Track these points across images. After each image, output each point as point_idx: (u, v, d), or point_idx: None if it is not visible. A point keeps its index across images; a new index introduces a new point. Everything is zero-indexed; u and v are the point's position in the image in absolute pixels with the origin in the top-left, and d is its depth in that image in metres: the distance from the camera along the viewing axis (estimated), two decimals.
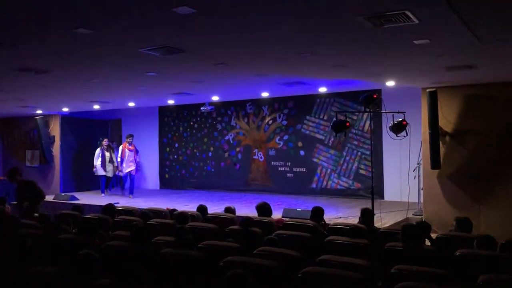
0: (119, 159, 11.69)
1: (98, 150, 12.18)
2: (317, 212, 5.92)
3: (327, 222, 6.24)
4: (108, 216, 6.08)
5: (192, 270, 3.82)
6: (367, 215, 5.75)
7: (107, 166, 12.07)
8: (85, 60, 6.31)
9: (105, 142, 12.31)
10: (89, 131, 14.22)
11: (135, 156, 11.78)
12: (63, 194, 11.74)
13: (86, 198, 11.34)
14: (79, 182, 13.55)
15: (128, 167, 11.70)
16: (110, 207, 6.71)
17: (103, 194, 11.90)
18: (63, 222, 5.61)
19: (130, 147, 11.76)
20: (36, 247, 3.88)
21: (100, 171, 12.06)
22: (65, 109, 13.05)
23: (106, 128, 14.98)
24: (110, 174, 12.33)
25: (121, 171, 11.79)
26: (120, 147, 11.81)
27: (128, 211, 7.00)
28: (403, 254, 4.22)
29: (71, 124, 14.01)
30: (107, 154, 12.19)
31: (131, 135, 11.88)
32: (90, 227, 4.73)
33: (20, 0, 3.93)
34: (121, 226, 5.76)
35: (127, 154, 11.71)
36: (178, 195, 11.38)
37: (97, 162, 12.02)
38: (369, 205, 6.79)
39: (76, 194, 11.64)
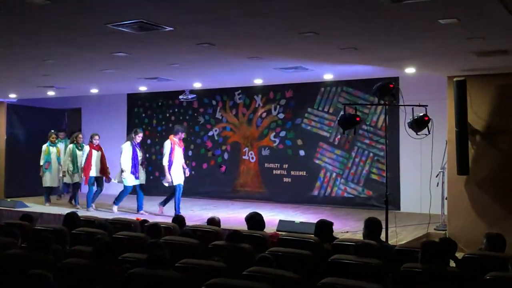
0: (166, 163, 9.86)
1: (127, 146, 10.33)
2: (323, 228, 5.93)
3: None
4: (65, 228, 6.07)
5: None
6: (372, 227, 5.76)
7: (140, 171, 10.49)
8: (39, 37, 6.28)
9: (139, 136, 10.43)
10: (42, 122, 14.13)
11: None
12: (8, 199, 11.67)
13: (37, 205, 11.27)
14: (28, 184, 13.41)
15: (179, 178, 10.01)
16: (72, 216, 6.71)
17: (142, 212, 10.21)
18: (9, 235, 5.58)
19: (179, 142, 10.15)
20: None
21: (130, 179, 10.31)
22: (13, 96, 12.97)
23: (62, 118, 14.92)
24: (142, 181, 10.68)
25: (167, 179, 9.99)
26: (168, 144, 9.97)
27: (90, 222, 7.00)
28: (423, 277, 4.26)
29: (20, 114, 13.95)
30: (140, 153, 10.53)
31: (183, 126, 10.51)
32: (43, 240, 4.72)
33: None
34: (81, 240, 5.76)
35: (177, 155, 10.03)
36: (151, 202, 11.35)
37: (127, 165, 10.24)
38: (382, 217, 6.83)
39: (25, 200, 11.57)
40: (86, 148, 10.96)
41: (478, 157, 8.53)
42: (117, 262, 4.45)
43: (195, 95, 11.79)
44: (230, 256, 4.89)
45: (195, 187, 12.99)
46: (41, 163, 11.85)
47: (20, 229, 6.07)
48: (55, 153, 11.91)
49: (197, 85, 11.22)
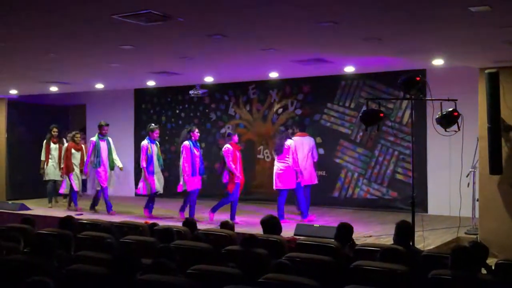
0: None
1: (291, 143, 9.62)
2: (345, 231, 5.92)
3: (355, 242, 6.25)
4: (69, 232, 6.13)
5: None
6: (404, 232, 5.75)
7: None
8: (41, 29, 6.33)
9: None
10: (45, 120, 14.23)
11: None
12: (10, 202, 11.78)
13: (39, 208, 11.38)
14: (32, 186, 13.56)
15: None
16: (68, 220, 6.77)
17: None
18: (11, 239, 5.64)
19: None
20: None
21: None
22: (13, 92, 13.08)
23: (66, 116, 15.02)
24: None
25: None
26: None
27: (95, 226, 7.06)
28: (453, 285, 4.24)
29: (21, 111, 14.07)
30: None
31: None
32: (46, 245, 4.76)
33: None
34: (86, 245, 5.80)
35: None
36: (160, 204, 11.42)
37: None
38: (408, 220, 6.80)
39: (27, 203, 11.67)
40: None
41: None
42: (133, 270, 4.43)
43: (206, 90, 11.81)
44: (244, 262, 4.90)
45: (207, 188, 13.02)
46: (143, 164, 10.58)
47: (22, 233, 6.12)
48: (156, 152, 10.72)
49: (209, 79, 11.24)
